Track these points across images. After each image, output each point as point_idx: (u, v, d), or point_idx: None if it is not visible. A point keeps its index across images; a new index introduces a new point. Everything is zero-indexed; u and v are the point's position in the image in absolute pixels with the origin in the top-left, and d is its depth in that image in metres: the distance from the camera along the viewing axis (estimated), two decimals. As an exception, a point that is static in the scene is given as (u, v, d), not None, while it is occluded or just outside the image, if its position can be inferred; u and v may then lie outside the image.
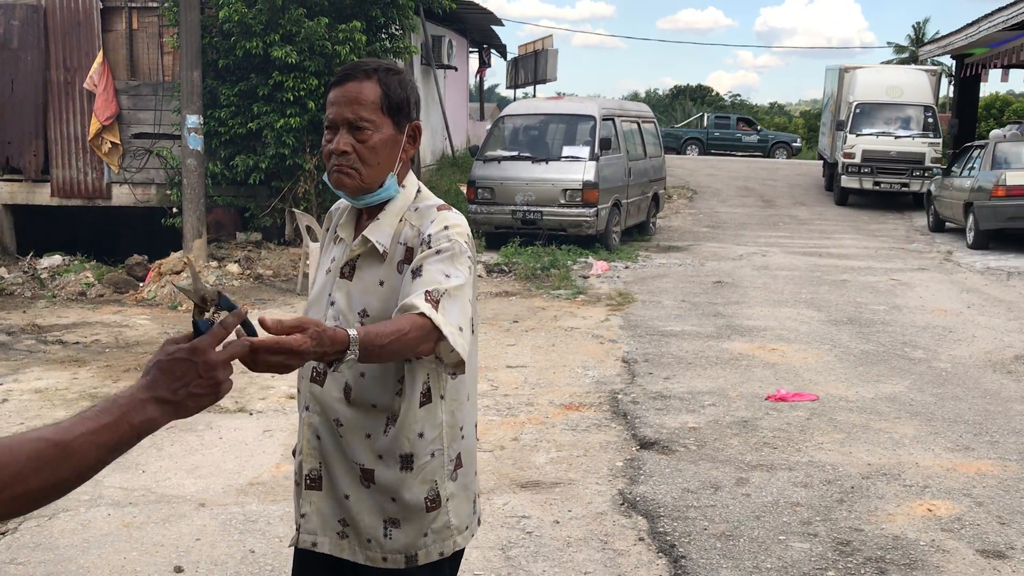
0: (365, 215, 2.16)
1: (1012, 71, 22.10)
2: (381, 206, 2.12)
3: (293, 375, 1.95)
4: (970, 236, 14.37)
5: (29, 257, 11.82)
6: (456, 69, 22.36)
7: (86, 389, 6.60)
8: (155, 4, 12.10)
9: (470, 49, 26.19)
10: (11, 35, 12.20)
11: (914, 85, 20.01)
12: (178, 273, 10.52)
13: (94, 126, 12.10)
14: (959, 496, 4.81)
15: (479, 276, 9.90)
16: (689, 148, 35.99)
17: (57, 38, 12.22)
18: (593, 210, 12.74)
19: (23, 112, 12.31)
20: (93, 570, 3.94)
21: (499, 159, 13.37)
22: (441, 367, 1.97)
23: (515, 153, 13.43)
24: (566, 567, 4.01)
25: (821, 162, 24.65)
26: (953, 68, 26.05)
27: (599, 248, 13.04)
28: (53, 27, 12.20)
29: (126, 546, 4.16)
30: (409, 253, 2.06)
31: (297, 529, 2.21)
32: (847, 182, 19.29)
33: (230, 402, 6.11)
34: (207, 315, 1.51)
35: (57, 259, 11.63)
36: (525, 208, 12.93)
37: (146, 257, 10.97)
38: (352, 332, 1.75)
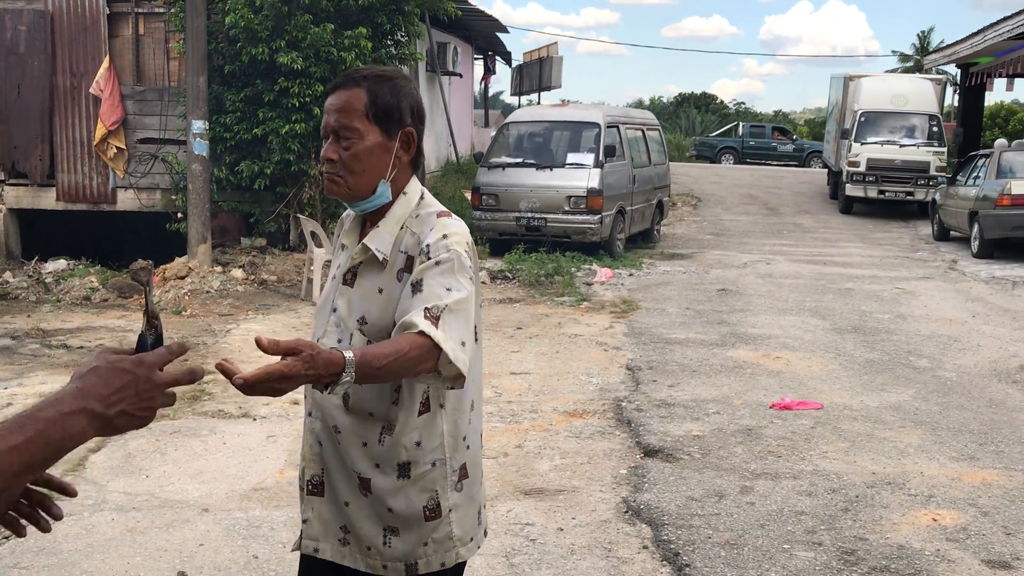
0: (368, 222, 2.16)
1: (1017, 80, 22.12)
2: (383, 213, 2.11)
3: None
4: (975, 245, 14.35)
5: (34, 261, 11.85)
6: (461, 76, 22.40)
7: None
8: (161, 10, 12.14)
9: (475, 56, 26.22)
10: (18, 40, 12.25)
11: (919, 94, 20.02)
12: (182, 279, 10.53)
13: (100, 131, 12.13)
14: (964, 506, 4.79)
15: (482, 283, 9.85)
16: (724, 157, 35.91)
17: (64, 43, 12.26)
18: (597, 217, 12.74)
19: (29, 117, 12.35)
20: (96, 575, 3.94)
21: (503, 166, 13.37)
22: (439, 380, 1.94)
23: (519, 160, 13.42)
24: (570, 575, 4.00)
25: (826, 170, 24.66)
26: (958, 77, 26.03)
27: (603, 255, 13.03)
28: (60, 32, 12.23)
29: (130, 551, 4.16)
30: (409, 261, 2.05)
31: (300, 534, 2.21)
32: (852, 190, 19.28)
33: (234, 407, 6.10)
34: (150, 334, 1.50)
35: (62, 263, 11.66)
36: (529, 215, 12.93)
37: (151, 262, 10.97)
38: (348, 355, 1.74)
